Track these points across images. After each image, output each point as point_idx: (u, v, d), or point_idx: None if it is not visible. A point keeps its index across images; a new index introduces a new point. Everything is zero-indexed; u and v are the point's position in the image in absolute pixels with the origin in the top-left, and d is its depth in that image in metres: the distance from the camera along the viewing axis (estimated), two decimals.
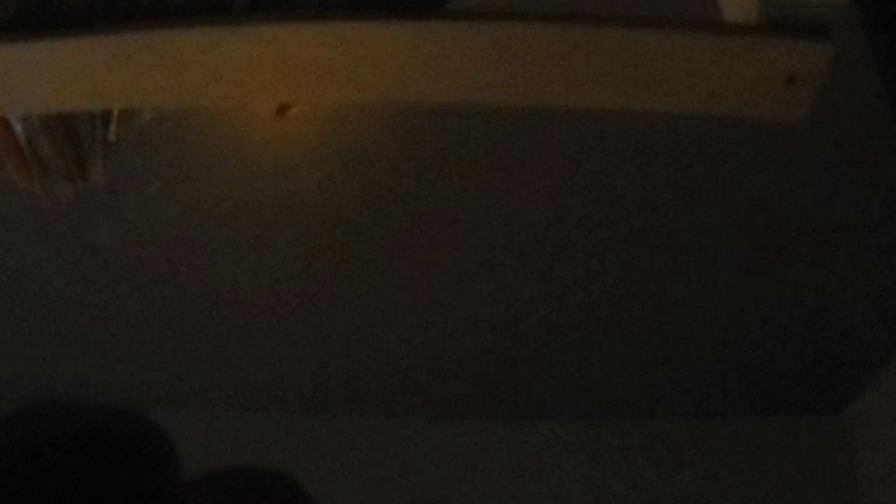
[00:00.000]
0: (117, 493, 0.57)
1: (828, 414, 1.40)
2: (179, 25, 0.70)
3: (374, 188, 1.05)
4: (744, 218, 1.10)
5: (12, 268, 1.02)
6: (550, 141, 1.05)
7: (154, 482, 0.57)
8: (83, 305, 1.10)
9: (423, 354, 1.31)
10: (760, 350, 1.30)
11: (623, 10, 0.65)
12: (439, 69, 0.70)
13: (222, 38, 0.70)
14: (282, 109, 0.83)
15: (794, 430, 1.38)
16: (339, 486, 1.21)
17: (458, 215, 1.14)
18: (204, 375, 1.25)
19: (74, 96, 0.75)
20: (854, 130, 0.96)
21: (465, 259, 1.19)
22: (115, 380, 1.15)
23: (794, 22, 0.66)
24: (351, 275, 1.18)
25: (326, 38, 0.69)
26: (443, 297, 1.24)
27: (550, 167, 1.07)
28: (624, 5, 0.68)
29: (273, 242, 1.06)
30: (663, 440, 1.34)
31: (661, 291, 1.21)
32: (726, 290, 1.21)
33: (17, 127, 0.80)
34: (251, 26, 0.69)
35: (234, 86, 0.72)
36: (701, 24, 0.66)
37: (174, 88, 0.73)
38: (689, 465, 1.34)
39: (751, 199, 1.08)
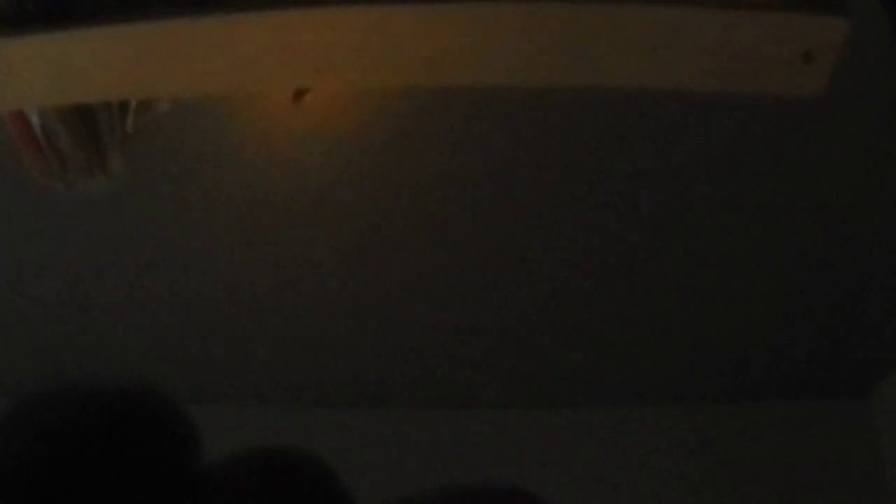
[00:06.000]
0: (139, 474, 0.57)
1: (853, 398, 1.39)
2: (192, 14, 0.70)
3: (393, 173, 1.05)
4: (766, 197, 1.10)
5: (26, 258, 1.02)
6: (577, 126, 1.05)
7: (179, 463, 0.57)
8: (97, 298, 1.10)
9: (449, 344, 1.31)
10: (783, 333, 1.29)
11: None
12: (459, 51, 0.70)
13: (236, 25, 0.70)
14: (298, 95, 0.83)
15: (818, 415, 1.38)
16: (365, 477, 1.22)
17: (482, 202, 1.13)
18: (224, 368, 1.26)
19: (89, 87, 0.75)
20: (874, 106, 0.95)
21: (492, 246, 1.19)
22: (132, 372, 1.15)
23: None
24: (373, 264, 1.18)
25: (341, 21, 0.69)
26: (469, 285, 1.24)
27: (578, 152, 1.07)
28: None
29: (292, 230, 1.06)
30: (684, 425, 1.34)
31: (683, 274, 1.21)
32: (748, 272, 1.21)
33: (34, 119, 0.81)
34: (265, 12, 0.69)
35: (249, 73, 0.73)
36: (716, 0, 0.66)
37: (189, 77, 0.74)
38: (712, 449, 1.34)
39: (770, 178, 1.07)
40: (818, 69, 0.67)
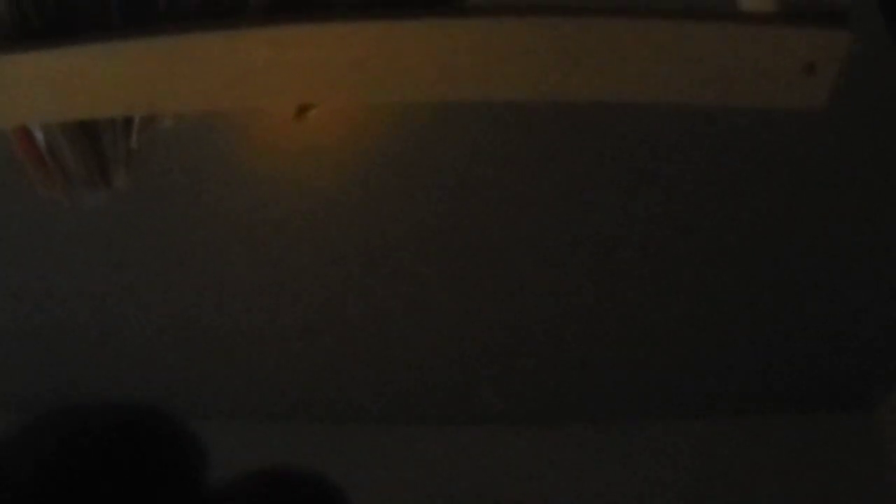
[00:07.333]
0: (149, 491, 0.57)
1: (859, 411, 1.39)
2: (196, 30, 0.70)
3: (397, 188, 1.05)
4: (771, 209, 1.10)
5: (31, 273, 1.02)
6: (580, 140, 1.05)
7: (187, 480, 0.57)
8: (102, 314, 1.10)
9: (454, 361, 1.30)
10: (790, 347, 1.29)
11: (641, 1, 0.65)
12: (462, 67, 0.70)
13: (239, 41, 0.70)
14: (301, 111, 0.83)
15: (824, 428, 1.38)
16: (369, 493, 1.21)
17: (485, 218, 1.13)
18: (232, 386, 1.26)
19: (93, 103, 0.75)
20: (876, 117, 0.95)
21: (495, 263, 1.19)
22: (140, 390, 1.16)
23: (811, 10, 0.66)
24: (377, 280, 1.18)
25: (343, 38, 0.69)
26: (472, 302, 1.24)
27: (578, 166, 1.07)
28: None
29: (296, 245, 1.06)
30: (690, 438, 1.34)
31: (690, 288, 1.20)
32: (755, 287, 1.21)
33: (39, 135, 0.81)
34: (268, 28, 0.69)
35: (252, 88, 0.73)
36: (718, 14, 0.66)
37: (193, 93, 0.74)
38: (719, 461, 1.34)
39: (777, 190, 1.07)
40: (820, 82, 0.67)
